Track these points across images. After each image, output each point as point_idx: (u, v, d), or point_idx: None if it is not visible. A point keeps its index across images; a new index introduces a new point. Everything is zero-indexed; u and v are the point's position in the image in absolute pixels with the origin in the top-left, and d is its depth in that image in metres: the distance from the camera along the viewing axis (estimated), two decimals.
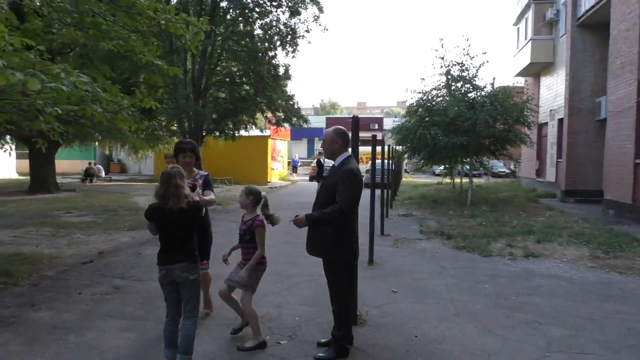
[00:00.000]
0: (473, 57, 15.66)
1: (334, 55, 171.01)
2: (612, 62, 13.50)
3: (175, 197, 3.56)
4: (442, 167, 22.29)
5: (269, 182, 27.88)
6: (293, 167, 32.80)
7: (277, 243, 9.08)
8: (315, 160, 18.27)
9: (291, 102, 16.83)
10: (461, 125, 14.43)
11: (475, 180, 22.86)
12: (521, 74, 25.05)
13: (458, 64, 15.67)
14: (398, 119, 56.23)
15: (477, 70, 15.45)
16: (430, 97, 15.88)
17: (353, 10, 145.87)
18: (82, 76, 4.71)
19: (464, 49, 15.89)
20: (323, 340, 4.40)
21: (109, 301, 5.59)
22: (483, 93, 15.27)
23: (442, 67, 15.93)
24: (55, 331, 4.63)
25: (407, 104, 17.09)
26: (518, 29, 25.89)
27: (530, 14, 23.09)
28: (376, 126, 53.52)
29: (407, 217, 13.12)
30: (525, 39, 23.62)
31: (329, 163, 32.56)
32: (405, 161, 27.47)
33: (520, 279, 6.82)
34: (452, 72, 15.81)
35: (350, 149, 4.37)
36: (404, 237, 9.96)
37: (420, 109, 15.78)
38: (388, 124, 54.61)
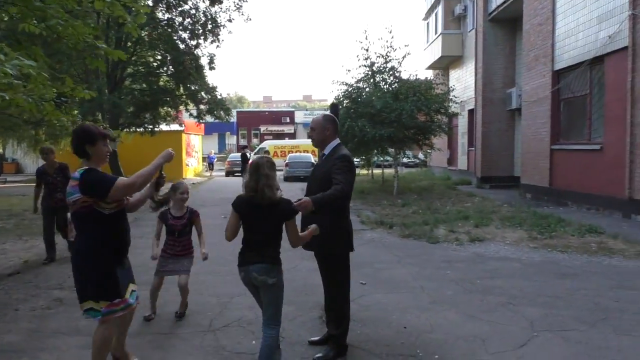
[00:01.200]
0: (396, 49, 15.96)
1: (239, 47, 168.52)
2: (526, 55, 14.34)
3: (268, 188, 3.23)
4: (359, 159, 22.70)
5: (184, 178, 26.77)
6: (209, 163, 31.61)
7: (224, 241, 8.62)
8: (240, 154, 17.72)
9: (214, 94, 16.10)
10: (387, 116, 14.67)
11: (388, 170, 23.54)
12: (432, 66, 26.07)
13: (382, 55, 15.88)
14: (309, 112, 56.40)
15: (399, 63, 15.76)
16: (355, 89, 15.96)
17: (256, 3, 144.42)
18: (22, 59, 4.04)
19: (386, 41, 16.14)
20: (315, 339, 4.16)
21: (54, 316, 4.92)
22: (407, 84, 15.58)
23: (366, 58, 16.07)
24: (4, 356, 3.95)
25: (334, 95, 17.10)
26: (428, 23, 26.87)
27: (439, 9, 24.03)
28: (288, 119, 53.50)
29: None
30: (436, 33, 24.57)
31: (236, 157, 31.95)
32: None
33: (476, 263, 6.97)
34: (376, 63, 16.00)
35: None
36: None
37: (346, 101, 15.81)
38: (299, 117, 54.88)
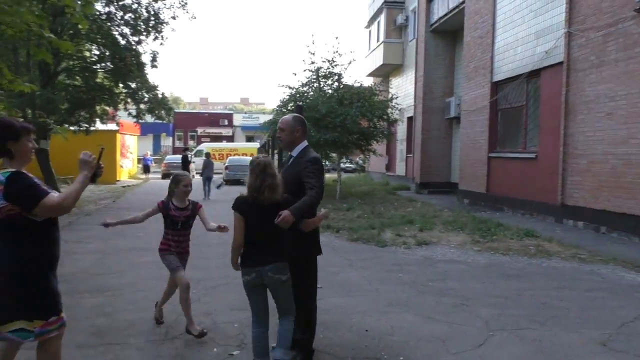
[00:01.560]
0: (341, 54, 16.14)
1: (175, 47, 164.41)
2: (466, 66, 14.91)
3: (270, 189, 3.25)
4: None
5: (118, 180, 25.70)
6: (145, 165, 30.41)
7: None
8: (182, 156, 17.21)
9: (155, 93, 15.53)
10: (332, 121, 14.80)
11: (328, 175, 23.68)
12: (373, 74, 26.55)
13: (328, 60, 16.00)
14: (248, 115, 55.80)
15: (345, 69, 15.95)
16: (301, 93, 15.97)
17: (194, 3, 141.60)
18: None
19: (332, 46, 16.29)
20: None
21: None
22: (352, 90, 15.78)
23: (312, 62, 16.14)
24: None
25: (279, 99, 17.01)
26: (370, 31, 27.37)
27: (382, 18, 24.54)
28: (226, 122, 52.69)
29: None
30: (378, 41, 25.07)
31: (174, 160, 31.15)
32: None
33: (426, 266, 7.13)
34: (322, 68, 16.10)
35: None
36: None
37: (291, 104, 15.79)
38: (238, 120, 54.22)
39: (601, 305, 5.28)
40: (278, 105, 17.23)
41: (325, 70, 16.02)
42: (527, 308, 5.19)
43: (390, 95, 17.27)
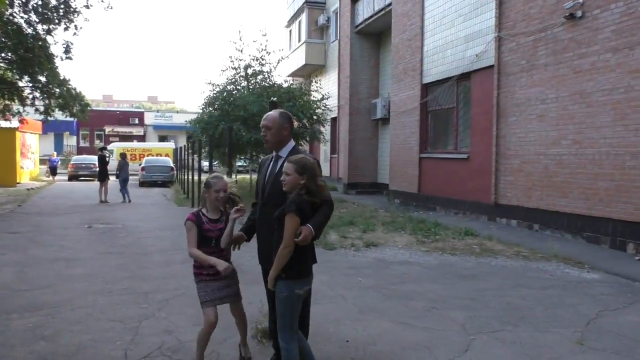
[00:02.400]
0: (270, 52, 15.78)
1: (75, 39, 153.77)
2: (394, 67, 15.11)
3: (322, 191, 3.15)
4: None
5: (19, 183, 23.40)
6: (51, 167, 27.91)
7: (97, 255, 7.57)
8: (98, 156, 15.96)
9: (68, 87, 14.19)
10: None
11: (242, 176, 23.21)
12: (294, 74, 26.38)
13: (257, 58, 15.57)
14: (160, 114, 53.51)
15: (274, 67, 15.62)
16: (229, 91, 15.39)
17: None
18: None
19: (261, 44, 15.87)
20: None
21: None
22: (282, 90, 15.48)
23: (241, 60, 15.65)
24: None
25: (205, 96, 16.26)
26: (290, 31, 27.19)
27: (303, 18, 24.45)
28: (137, 120, 50.08)
29: None
30: (299, 41, 24.95)
31: (82, 160, 28.86)
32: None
33: (381, 269, 7.00)
34: (252, 66, 15.65)
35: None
36: None
37: (218, 103, 15.18)
38: (150, 118, 51.71)
39: (561, 303, 5.41)
40: (204, 104, 16.50)
41: (254, 69, 15.58)
42: (495, 309, 5.20)
43: (320, 96, 17.13)
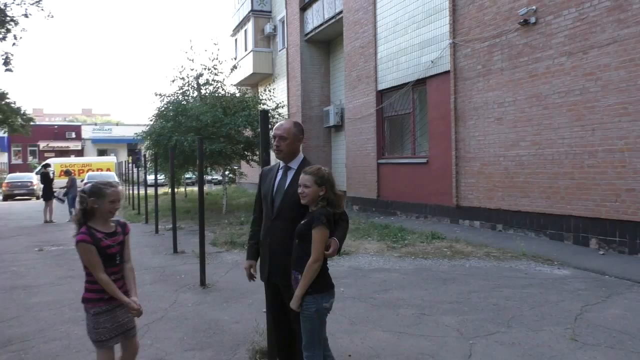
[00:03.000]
0: (222, 62, 15.47)
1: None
2: (348, 75, 15.19)
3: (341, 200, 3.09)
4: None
5: None
6: None
7: (57, 280, 7.09)
8: (41, 173, 15.04)
9: (6, 101, 13.26)
10: (217, 131, 14.15)
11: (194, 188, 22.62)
12: (242, 83, 26.05)
13: (208, 68, 15.21)
14: (99, 127, 51.50)
15: (227, 76, 15.32)
16: (179, 101, 14.92)
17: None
18: None
19: (212, 52, 15.51)
20: None
21: None
22: (236, 99, 15.20)
23: (192, 69, 15.26)
24: None
25: (155, 107, 15.69)
26: (236, 40, 26.86)
27: (249, 27, 24.24)
28: (73, 134, 47.78)
29: (178, 231, 11.97)
30: (246, 50, 24.69)
31: (18, 178, 27.21)
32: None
33: (360, 277, 6.92)
34: (203, 75, 15.28)
35: None
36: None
37: (171, 114, 14.68)
38: (88, 132, 49.50)
39: (544, 301, 5.51)
40: (154, 115, 15.92)
41: (207, 78, 15.22)
42: (484, 311, 5.23)
43: (275, 104, 16.96)
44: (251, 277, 3.50)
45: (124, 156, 42.93)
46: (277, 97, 22.51)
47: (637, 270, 6.62)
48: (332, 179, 3.07)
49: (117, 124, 55.49)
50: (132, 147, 42.14)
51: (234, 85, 26.97)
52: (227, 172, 16.88)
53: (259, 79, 24.91)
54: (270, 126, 12.45)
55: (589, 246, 7.95)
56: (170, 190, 10.63)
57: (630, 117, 7.22)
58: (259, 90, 24.58)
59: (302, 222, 3.04)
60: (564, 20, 8.17)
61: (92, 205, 3.01)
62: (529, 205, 8.97)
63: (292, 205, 3.20)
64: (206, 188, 29.51)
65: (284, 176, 3.36)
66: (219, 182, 36.75)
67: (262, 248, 3.36)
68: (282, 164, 3.41)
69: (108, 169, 32.33)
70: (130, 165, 22.67)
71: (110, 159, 36.06)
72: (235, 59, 14.67)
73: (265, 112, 4.13)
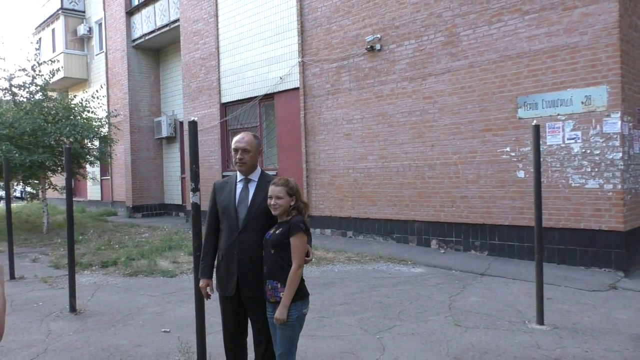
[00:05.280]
0: (42, 63, 13.78)
1: None
2: (187, 85, 14.82)
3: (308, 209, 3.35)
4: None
5: None
6: None
7: None
8: None
9: None
10: (39, 141, 12.60)
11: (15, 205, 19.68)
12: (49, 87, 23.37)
13: (25, 70, 13.41)
14: None
15: (48, 79, 13.69)
16: None
17: None
18: None
19: (28, 52, 13.64)
20: None
21: None
22: (62, 105, 13.66)
23: (4, 70, 13.28)
24: None
25: None
26: (40, 38, 24.04)
27: (59, 26, 22.04)
28: None
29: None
30: (54, 50, 22.39)
31: None
32: None
33: None
34: (17, 77, 13.41)
35: None
36: (49, 276, 8.02)
37: None
38: None
39: (418, 296, 6.25)
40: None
41: (25, 82, 13.40)
42: (374, 309, 5.73)
43: (107, 113, 15.63)
44: (207, 295, 3.41)
45: None
46: (94, 104, 20.75)
47: (474, 264, 7.87)
48: (299, 189, 3.21)
49: None
50: None
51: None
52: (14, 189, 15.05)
53: (71, 83, 22.72)
54: (102, 137, 11.47)
55: (431, 246, 9.15)
56: (5, 207, 9.19)
57: (462, 136, 8.57)
58: (94, 97, 22.52)
59: (276, 232, 3.11)
60: (405, 49, 9.33)
61: None
62: (377, 213, 9.94)
63: (258, 216, 3.24)
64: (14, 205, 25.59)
65: (245, 188, 3.37)
66: (21, 197, 32.20)
67: (225, 262, 3.30)
68: (240, 176, 3.42)
69: None
70: None
71: None
72: (37, 59, 13.03)
73: (194, 123, 4.02)
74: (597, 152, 7.14)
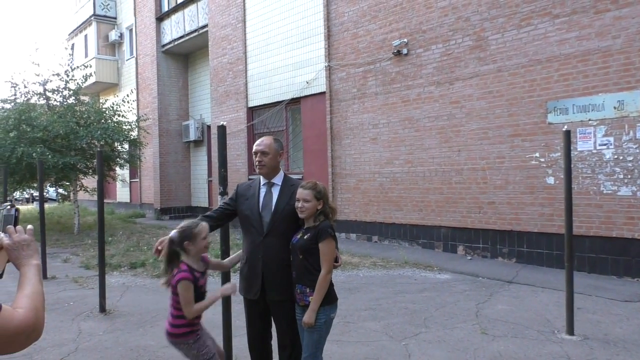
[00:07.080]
0: (75, 68, 14.16)
1: None
2: (214, 90, 15.01)
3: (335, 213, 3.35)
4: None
5: None
6: None
7: None
8: None
9: None
10: (71, 144, 12.95)
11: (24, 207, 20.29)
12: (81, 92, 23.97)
13: (59, 74, 13.79)
14: None
15: (81, 84, 14.06)
16: (23, 109, 13.25)
17: None
18: None
19: (62, 57, 14.06)
20: None
21: None
22: (93, 109, 14.00)
23: (38, 75, 13.67)
24: None
25: None
26: (74, 44, 24.70)
27: (91, 32, 22.61)
28: None
29: None
30: (86, 56, 22.96)
31: None
32: None
33: None
34: (50, 82, 13.80)
35: None
36: (79, 276, 8.22)
37: (10, 122, 12.95)
38: None
39: (444, 302, 6.20)
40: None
41: (58, 86, 13.79)
42: (400, 315, 5.70)
43: (137, 117, 15.97)
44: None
45: None
46: (124, 108, 21.21)
47: (501, 271, 7.76)
48: (327, 193, 3.22)
49: None
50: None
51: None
52: (60, 189, 15.52)
53: (102, 88, 23.27)
54: (131, 140, 11.75)
55: (457, 253, 9.05)
56: (38, 208, 9.47)
57: (489, 141, 8.47)
58: (124, 101, 23.09)
59: (304, 237, 3.12)
60: (433, 54, 9.27)
61: (187, 247, 3.04)
62: (402, 218, 9.88)
63: (283, 220, 3.27)
64: (31, 206, 26.44)
65: (268, 192, 3.40)
66: (55, 199, 33.07)
67: (249, 265, 3.33)
68: (263, 180, 3.45)
69: None
70: None
71: None
72: (70, 64, 13.42)
73: (223, 128, 4.09)
74: (630, 158, 6.96)
